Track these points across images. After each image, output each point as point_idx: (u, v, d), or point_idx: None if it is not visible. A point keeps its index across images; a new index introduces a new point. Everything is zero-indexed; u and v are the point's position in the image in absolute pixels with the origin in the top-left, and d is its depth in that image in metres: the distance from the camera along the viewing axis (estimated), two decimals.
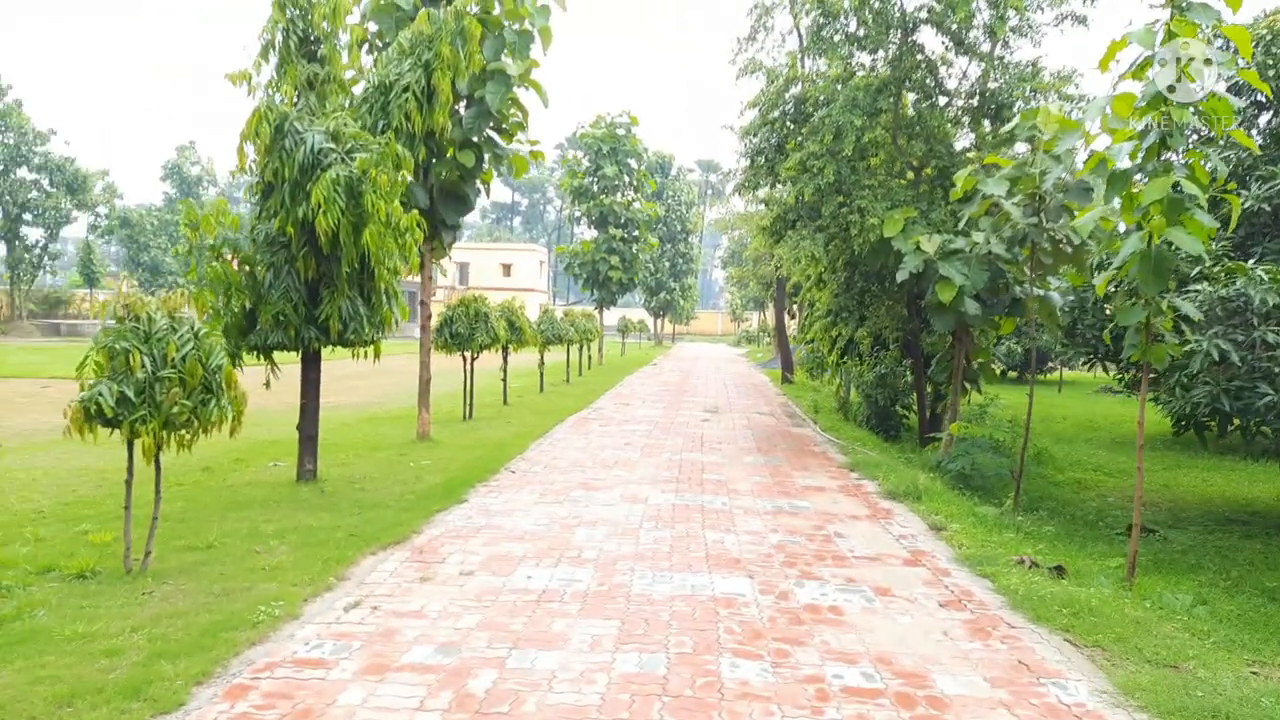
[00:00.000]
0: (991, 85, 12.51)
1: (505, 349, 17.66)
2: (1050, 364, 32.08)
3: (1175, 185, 6.22)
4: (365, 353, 9.33)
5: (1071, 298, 11.43)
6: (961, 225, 9.27)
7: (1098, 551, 8.88)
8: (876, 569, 6.57)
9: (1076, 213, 9.12)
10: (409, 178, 8.96)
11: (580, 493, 9.13)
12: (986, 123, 13.15)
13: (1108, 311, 6.67)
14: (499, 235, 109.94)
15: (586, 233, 35.77)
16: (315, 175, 7.99)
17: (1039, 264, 9.19)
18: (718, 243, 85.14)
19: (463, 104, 11.78)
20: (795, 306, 32.26)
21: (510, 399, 18.56)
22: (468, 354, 15.10)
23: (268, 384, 8.87)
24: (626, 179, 34.24)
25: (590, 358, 31.17)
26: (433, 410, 16.53)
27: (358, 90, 9.47)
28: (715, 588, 5.94)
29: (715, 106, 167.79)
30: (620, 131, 33.72)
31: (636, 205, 34.32)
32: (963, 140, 14.12)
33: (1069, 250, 9.34)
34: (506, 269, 70.81)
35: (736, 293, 64.39)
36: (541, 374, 21.41)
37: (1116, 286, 7.17)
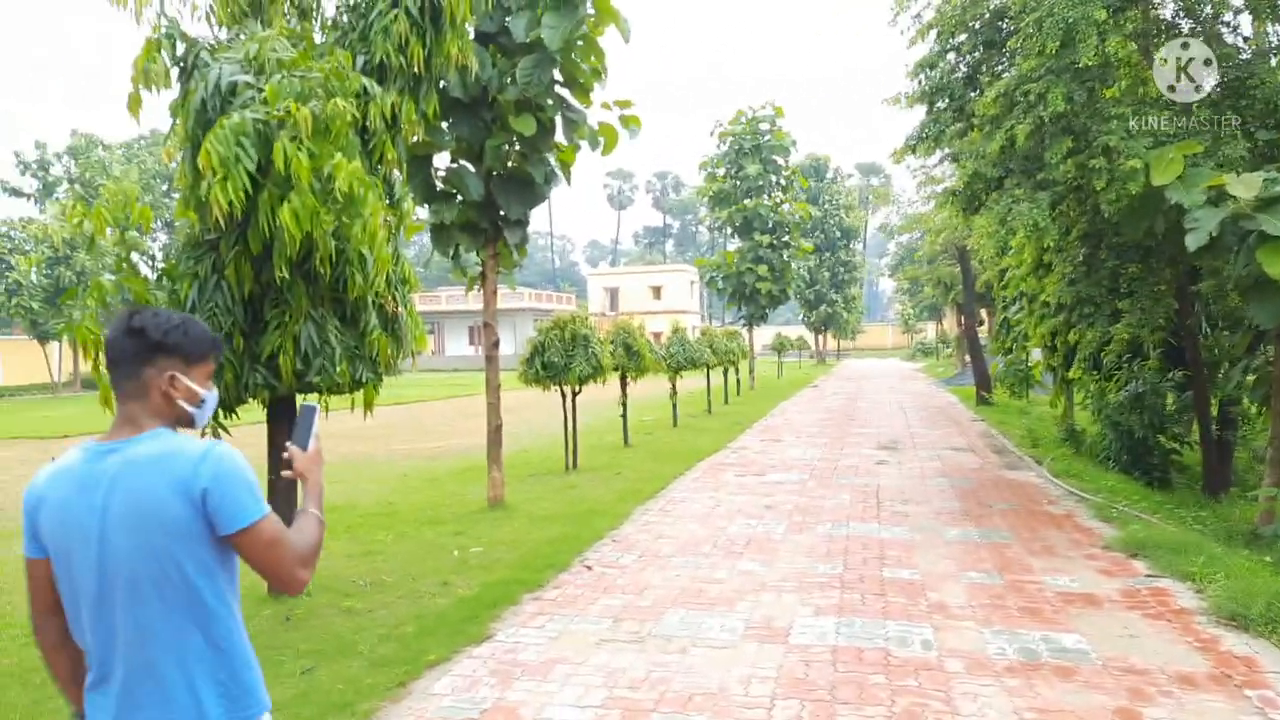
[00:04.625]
0: None
1: (624, 379, 14.40)
2: None
3: None
4: (353, 400, 6.27)
5: None
6: None
7: None
8: None
9: None
10: (390, 123, 5.86)
11: (678, 617, 5.58)
12: None
13: None
14: (651, 260, 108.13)
15: (732, 244, 32.12)
16: None
17: None
18: (883, 252, 78.93)
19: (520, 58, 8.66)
20: (984, 310, 27.14)
21: (635, 438, 15.23)
22: (567, 388, 11.92)
23: None
24: (773, 179, 30.34)
25: (740, 382, 27.43)
26: (532, 459, 13.55)
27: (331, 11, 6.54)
28: None
29: (873, 111, 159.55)
30: (764, 125, 29.94)
31: (786, 207, 30.29)
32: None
33: None
34: (656, 291, 68.21)
35: (908, 301, 58.47)
36: (674, 406, 17.97)
37: None
